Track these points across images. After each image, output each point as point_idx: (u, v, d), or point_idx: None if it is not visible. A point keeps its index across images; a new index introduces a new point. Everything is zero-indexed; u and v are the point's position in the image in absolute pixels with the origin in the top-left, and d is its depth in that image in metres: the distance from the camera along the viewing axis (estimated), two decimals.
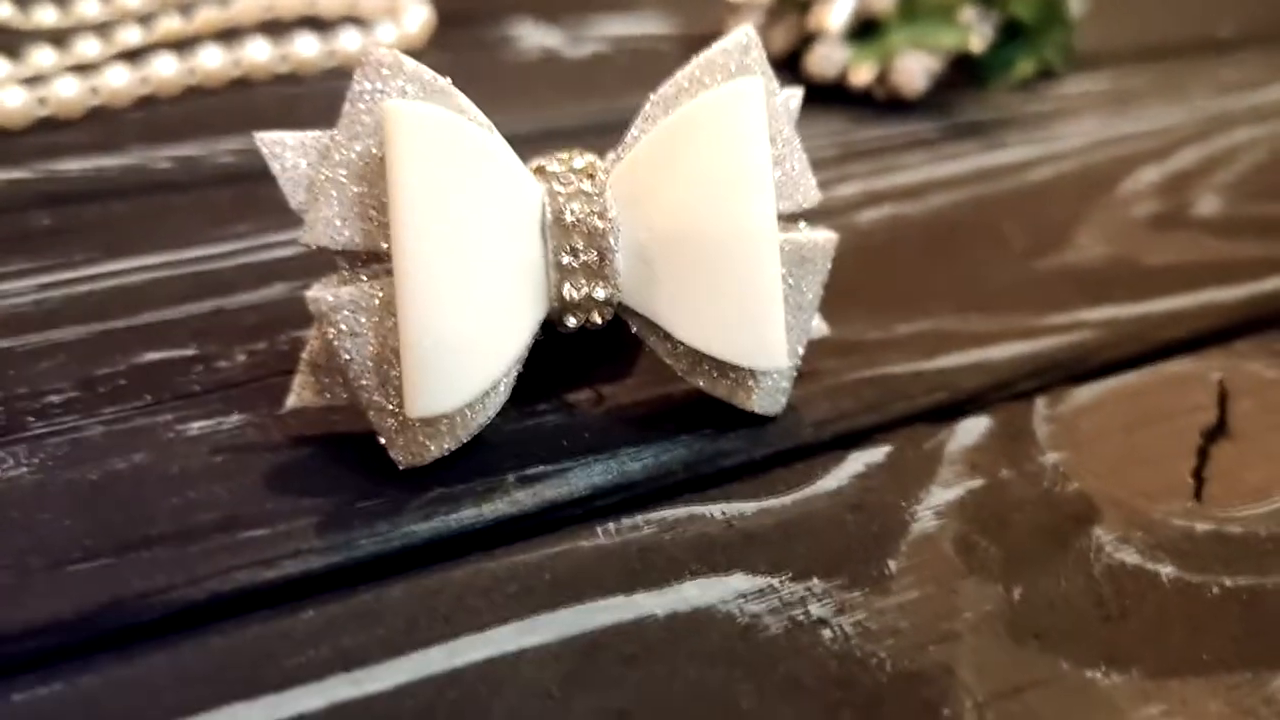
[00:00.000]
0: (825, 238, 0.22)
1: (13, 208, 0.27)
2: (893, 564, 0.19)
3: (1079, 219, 0.30)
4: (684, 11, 0.40)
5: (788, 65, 0.36)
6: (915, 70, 0.34)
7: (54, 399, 0.22)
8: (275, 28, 0.37)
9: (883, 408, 0.23)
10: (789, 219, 0.22)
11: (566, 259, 0.20)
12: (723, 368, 0.21)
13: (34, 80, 0.31)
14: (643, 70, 0.37)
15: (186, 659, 0.17)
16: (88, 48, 0.34)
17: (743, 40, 0.21)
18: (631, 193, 0.21)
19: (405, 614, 0.18)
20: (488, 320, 0.20)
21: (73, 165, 0.29)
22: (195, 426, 0.21)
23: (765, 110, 0.20)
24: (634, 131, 0.21)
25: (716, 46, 0.21)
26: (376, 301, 0.20)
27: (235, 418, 0.22)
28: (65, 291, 0.25)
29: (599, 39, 0.39)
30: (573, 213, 0.20)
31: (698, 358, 0.21)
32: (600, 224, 0.20)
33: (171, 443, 0.21)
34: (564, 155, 0.21)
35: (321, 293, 0.20)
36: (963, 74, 0.37)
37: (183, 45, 0.34)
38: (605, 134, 0.25)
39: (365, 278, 0.20)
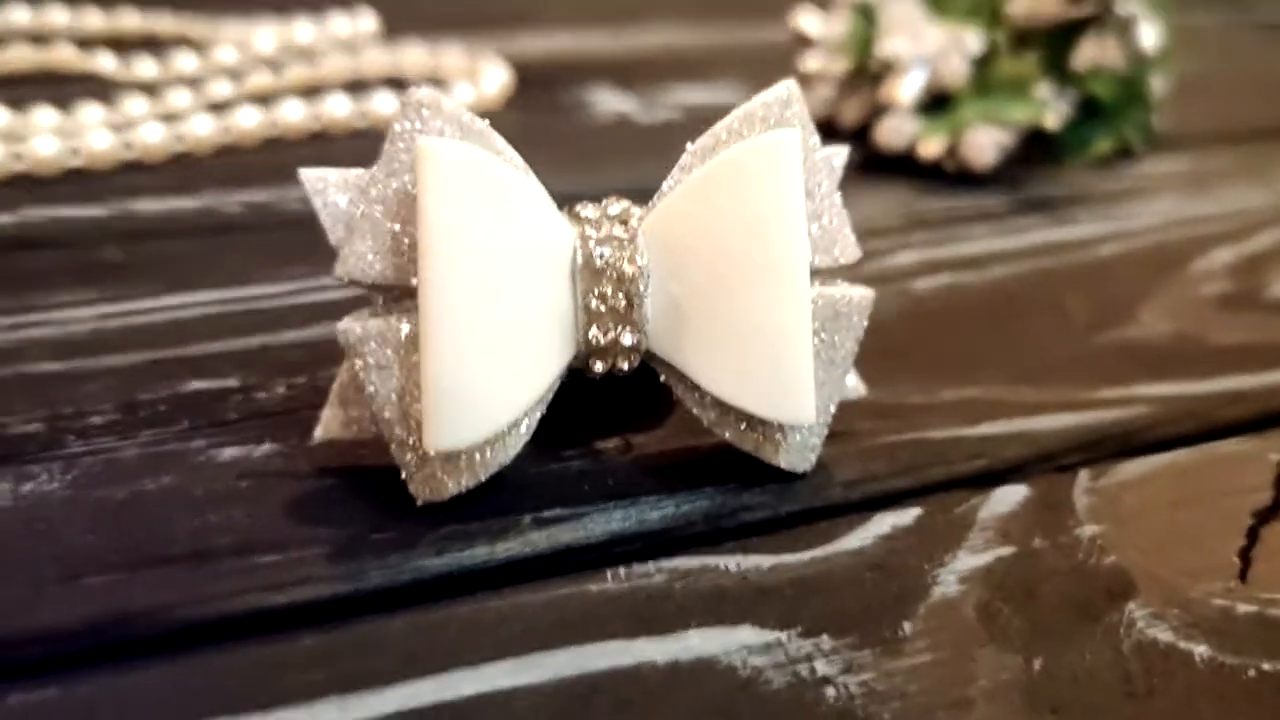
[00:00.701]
0: (861, 294, 0.22)
1: (87, 241, 0.29)
2: (908, 626, 0.19)
3: (1145, 296, 0.29)
4: (759, 82, 0.41)
5: (860, 136, 0.36)
6: (985, 144, 0.34)
7: (95, 420, 0.22)
8: (358, 86, 0.38)
9: (916, 472, 0.22)
10: (826, 274, 0.22)
11: (595, 303, 0.20)
12: (751, 421, 0.21)
13: (123, 126, 0.33)
14: None
15: (183, 675, 0.17)
16: (179, 99, 0.35)
17: (783, 95, 0.21)
18: (664, 240, 0.21)
19: (404, 646, 0.18)
20: (511, 359, 0.20)
21: (148, 205, 0.30)
22: (226, 453, 0.22)
23: (801, 163, 0.20)
24: (670, 180, 0.21)
25: (757, 100, 0.21)
26: (403, 335, 0.20)
27: (266, 446, 0.22)
28: (122, 321, 0.25)
29: (673, 106, 0.39)
30: (603, 257, 0.20)
31: (725, 409, 0.21)
32: (630, 269, 0.20)
33: (201, 467, 0.21)
34: (600, 201, 0.21)
35: (350, 324, 0.20)
36: (1039, 149, 0.37)
37: (268, 99, 0.36)
38: None
39: (395, 312, 0.20)
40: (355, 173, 0.21)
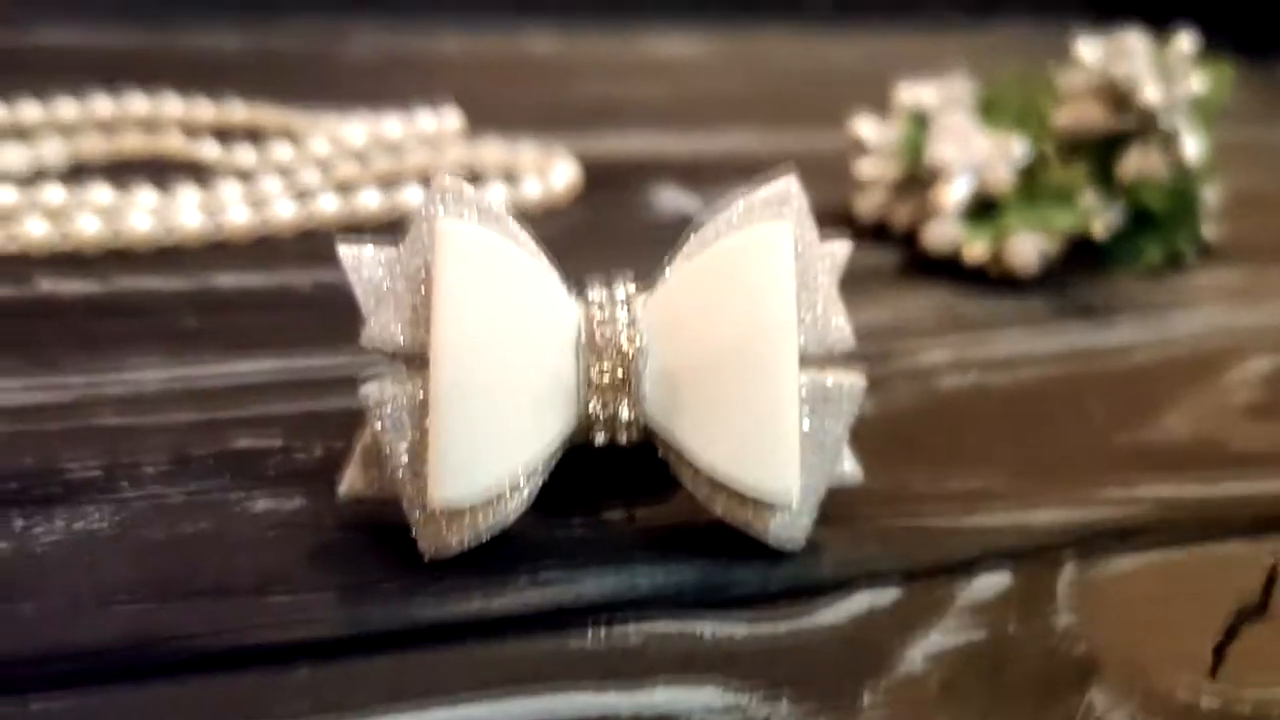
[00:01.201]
0: (852, 381, 0.23)
1: (168, 310, 0.31)
2: (868, 696, 0.19)
3: (1172, 401, 0.30)
4: (818, 187, 0.42)
5: (910, 239, 0.38)
6: (1028, 249, 0.35)
7: (149, 469, 0.24)
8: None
9: (907, 556, 0.23)
10: (819, 361, 0.23)
11: (596, 376, 0.22)
12: (741, 497, 0.22)
13: (214, 208, 0.36)
14: None
15: (188, 696, 0.19)
16: (270, 185, 0.38)
17: (783, 190, 0.23)
18: (663, 320, 0.22)
19: (388, 681, 0.19)
20: (514, 425, 0.21)
21: (227, 280, 0.33)
22: (260, 504, 0.23)
23: (792, 254, 0.22)
24: (672, 265, 0.23)
25: (758, 194, 0.23)
26: (419, 400, 0.21)
27: (296, 501, 0.24)
28: (186, 383, 0.28)
29: None
30: (604, 335, 0.22)
31: (717, 485, 0.22)
32: (628, 347, 0.22)
33: (235, 515, 0.23)
34: (609, 283, 0.23)
35: (371, 388, 0.22)
36: (1090, 257, 0.38)
37: (351, 188, 0.38)
38: None
39: (413, 379, 0.22)
40: (387, 250, 0.23)
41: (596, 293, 0.23)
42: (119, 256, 0.34)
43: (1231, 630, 0.22)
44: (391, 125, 0.43)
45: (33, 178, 0.38)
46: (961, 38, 0.71)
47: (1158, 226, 0.37)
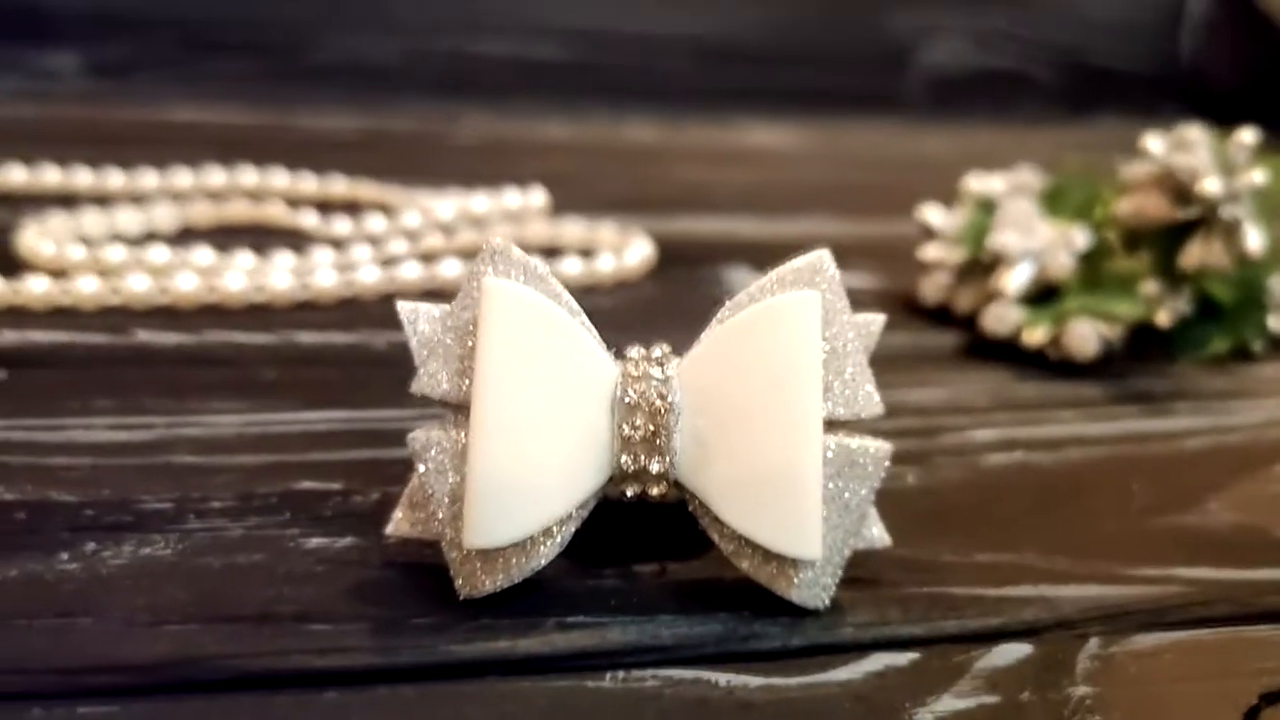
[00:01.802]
0: (877, 446, 0.23)
1: (251, 363, 0.33)
2: None
3: (1218, 488, 0.29)
4: (888, 270, 0.43)
5: (971, 322, 0.38)
6: (1087, 335, 0.35)
7: (215, 504, 0.26)
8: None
9: (928, 622, 0.23)
10: (847, 426, 0.24)
11: (628, 431, 0.23)
12: (766, 554, 0.23)
13: (302, 271, 0.38)
14: None
15: (221, 712, 0.20)
16: (360, 253, 0.40)
17: (815, 262, 0.24)
18: (695, 382, 0.23)
19: (407, 709, 0.20)
20: (548, 474, 0.22)
21: (309, 337, 0.35)
22: (312, 542, 0.25)
23: (819, 322, 0.23)
24: (708, 329, 0.24)
25: (790, 264, 0.24)
26: (460, 446, 0.23)
27: (347, 539, 0.25)
28: (260, 429, 0.29)
29: None
30: (638, 392, 0.23)
31: (743, 541, 0.23)
32: (660, 404, 0.23)
33: (288, 551, 0.24)
34: (648, 345, 0.24)
35: (418, 434, 0.23)
36: (1156, 346, 0.38)
37: (434, 258, 0.40)
38: None
39: (458, 426, 0.23)
40: (441, 307, 0.24)
41: (634, 352, 0.24)
42: (212, 312, 0.36)
43: (1252, 712, 0.21)
44: (479, 201, 0.45)
45: (142, 239, 0.41)
46: (1057, 134, 0.71)
47: (1224, 317, 0.37)
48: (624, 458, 0.23)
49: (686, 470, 0.23)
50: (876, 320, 0.25)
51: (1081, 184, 0.39)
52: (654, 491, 0.23)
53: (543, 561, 0.23)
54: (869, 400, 0.24)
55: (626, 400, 0.23)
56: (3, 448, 0.28)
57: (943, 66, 0.75)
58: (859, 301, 0.41)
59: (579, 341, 0.23)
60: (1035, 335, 0.36)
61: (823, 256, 0.24)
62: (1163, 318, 0.37)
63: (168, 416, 0.30)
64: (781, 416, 0.23)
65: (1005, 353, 0.37)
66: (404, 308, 0.24)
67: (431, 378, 0.23)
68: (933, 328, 0.39)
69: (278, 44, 0.68)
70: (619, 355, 0.24)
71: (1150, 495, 0.29)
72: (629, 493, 0.23)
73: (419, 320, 0.24)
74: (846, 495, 0.23)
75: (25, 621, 0.22)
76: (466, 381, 0.23)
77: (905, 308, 0.41)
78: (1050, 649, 0.23)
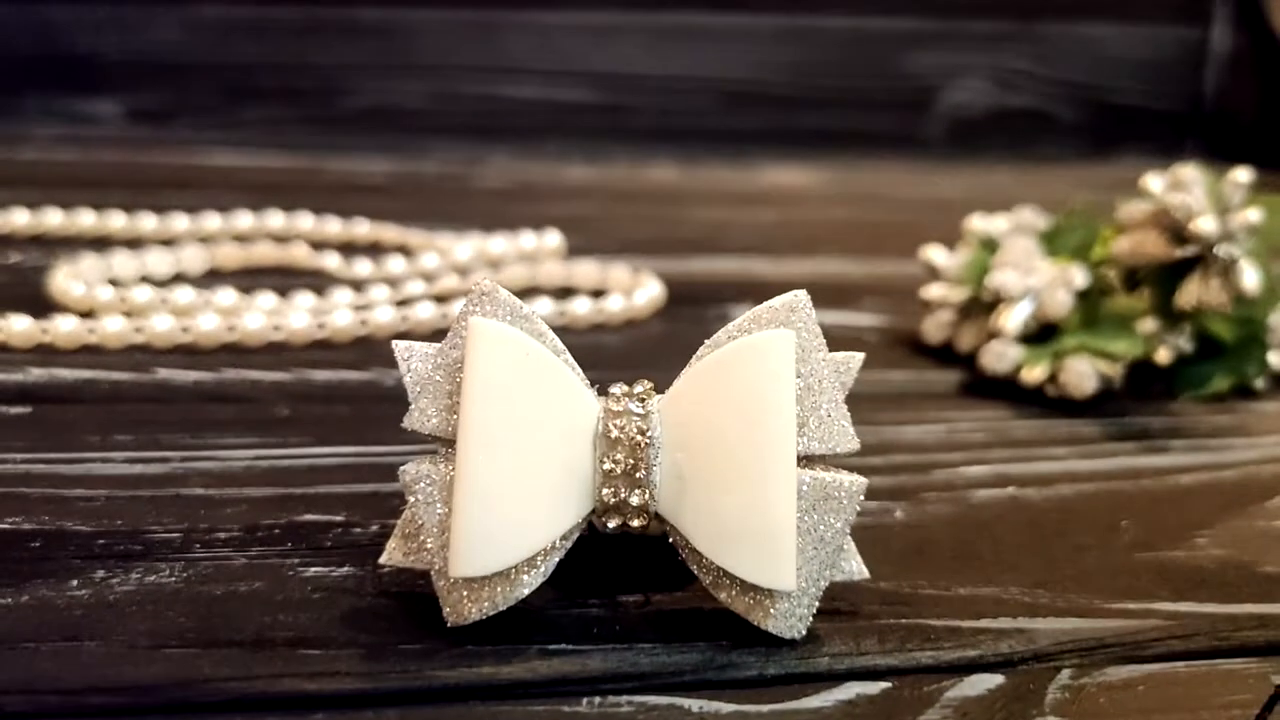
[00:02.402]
0: (852, 480, 0.24)
1: (265, 399, 0.34)
2: None
3: (1208, 524, 0.30)
4: (896, 309, 0.44)
5: (972, 360, 0.39)
6: (1085, 373, 0.36)
7: (221, 535, 0.27)
8: (530, 293, 0.44)
9: (903, 653, 0.24)
10: (823, 461, 0.24)
11: (609, 465, 0.24)
12: (744, 586, 0.24)
13: (320, 311, 0.39)
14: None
15: None
16: (378, 293, 0.42)
17: (792, 302, 0.25)
18: (674, 417, 0.24)
19: None
20: (531, 506, 0.23)
21: (323, 375, 0.36)
22: (311, 570, 0.26)
23: (792, 359, 0.24)
24: (688, 366, 0.25)
25: (767, 304, 0.25)
26: (448, 479, 0.24)
27: (345, 569, 0.26)
28: (270, 463, 0.31)
29: None
30: (618, 428, 0.24)
31: (720, 572, 0.24)
32: (640, 439, 0.24)
33: (287, 579, 0.25)
34: (629, 382, 0.25)
35: (409, 467, 0.24)
36: (1158, 384, 0.38)
37: (447, 298, 0.42)
38: None
39: (447, 460, 0.24)
40: (434, 346, 0.25)
41: (616, 389, 0.25)
42: (231, 350, 0.38)
43: None
44: (496, 244, 0.46)
45: (170, 280, 0.43)
46: (1078, 173, 0.72)
47: (1225, 355, 0.38)
48: (605, 491, 0.24)
49: (666, 503, 0.24)
50: (854, 358, 0.26)
51: (1082, 223, 0.40)
52: (635, 524, 0.24)
53: (526, 591, 0.24)
54: (844, 436, 0.24)
55: (608, 435, 0.24)
56: (24, 479, 0.29)
57: (963, 106, 0.76)
58: (864, 340, 0.42)
59: (562, 379, 0.24)
60: (1034, 373, 0.36)
61: (798, 296, 0.25)
62: (1163, 356, 0.37)
63: (182, 451, 0.31)
64: (756, 451, 0.23)
65: (1005, 391, 0.37)
66: (399, 347, 0.25)
67: (422, 413, 0.24)
68: (934, 366, 0.40)
69: (312, 90, 0.70)
70: (602, 392, 0.25)
71: (1139, 530, 0.29)
72: (611, 525, 0.24)
73: (413, 359, 0.25)
74: (822, 528, 0.24)
75: (33, 644, 0.23)
76: (454, 417, 0.24)
77: (909, 346, 0.41)
78: (1021, 679, 0.23)
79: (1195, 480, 0.32)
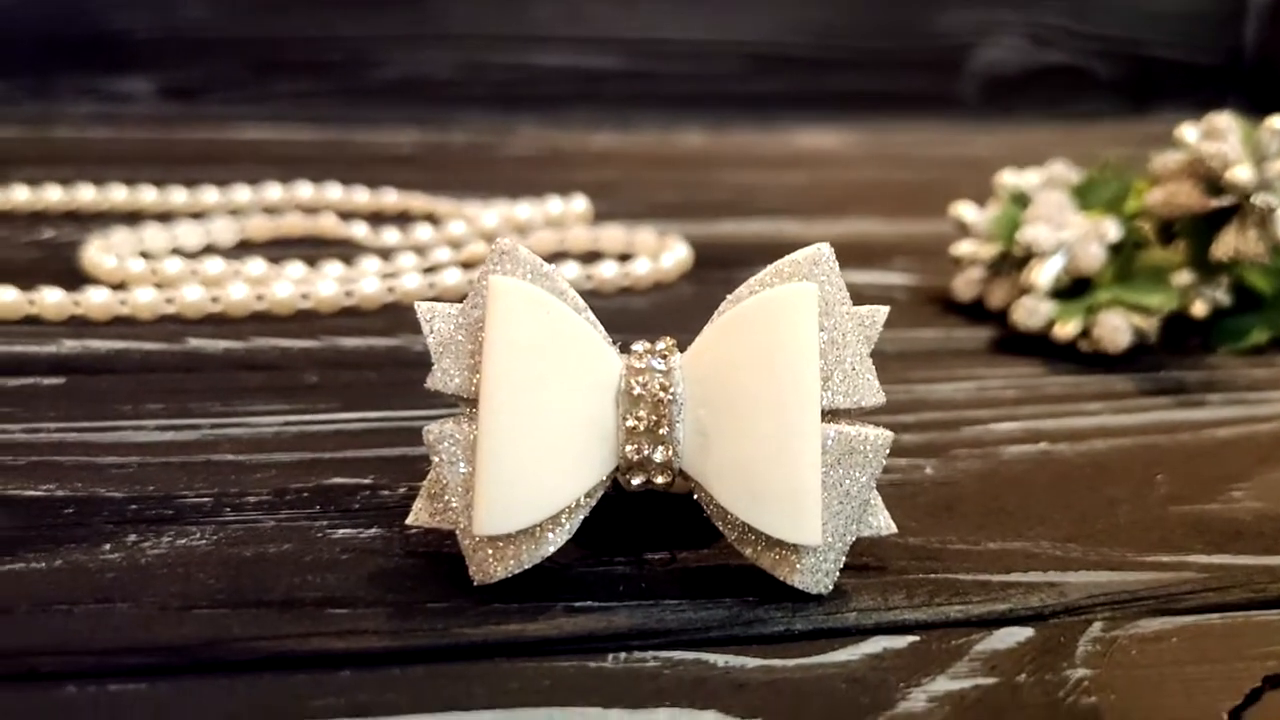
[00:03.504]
0: (877, 434, 0.24)
1: (294, 367, 0.35)
2: None
3: (1244, 477, 0.29)
4: (928, 268, 0.43)
5: (1004, 316, 0.38)
6: (1119, 327, 0.35)
7: (250, 499, 0.27)
8: (560, 257, 0.44)
9: (932, 608, 0.24)
10: (849, 415, 0.24)
11: (632, 422, 0.24)
12: (769, 541, 0.24)
13: (349, 280, 0.39)
14: None
15: (240, 689, 0.21)
16: (405, 261, 0.42)
17: (814, 255, 0.24)
18: (696, 373, 0.24)
19: (416, 687, 0.21)
20: (555, 464, 0.23)
21: (352, 342, 0.36)
22: (339, 532, 0.26)
23: (815, 313, 0.23)
24: (710, 321, 0.24)
25: (789, 257, 0.24)
26: (471, 438, 0.24)
27: (372, 530, 0.26)
28: (300, 429, 0.31)
29: None
30: (641, 384, 0.24)
31: (746, 528, 0.24)
32: (664, 396, 0.24)
33: (316, 540, 0.26)
34: (653, 339, 0.25)
35: (433, 426, 0.24)
36: (1196, 336, 0.37)
37: (474, 265, 0.42)
38: None
39: (471, 419, 0.24)
40: (456, 306, 0.25)
41: (639, 346, 0.25)
42: (261, 319, 0.38)
43: (1255, 695, 0.21)
44: (522, 209, 0.46)
45: (200, 253, 0.43)
46: (1116, 130, 0.70)
47: (1263, 307, 0.37)
48: (628, 448, 0.24)
49: (690, 460, 0.24)
50: (880, 311, 0.25)
51: (1115, 176, 0.39)
52: (659, 481, 0.24)
53: (552, 549, 0.24)
54: (870, 390, 0.24)
55: (630, 392, 0.24)
56: (57, 448, 0.29)
57: (998, 64, 0.74)
58: (894, 299, 0.42)
59: (583, 336, 0.24)
60: (1066, 329, 0.36)
61: (821, 249, 0.24)
62: (1199, 309, 0.37)
63: (212, 418, 0.31)
64: (780, 406, 0.23)
65: (1037, 347, 0.37)
66: (421, 308, 0.25)
67: (445, 374, 0.24)
68: (965, 324, 0.39)
69: (341, 63, 0.70)
70: (624, 350, 0.25)
71: (1174, 484, 0.29)
72: (635, 482, 0.24)
73: (436, 320, 0.25)
74: (847, 483, 0.24)
75: (66, 607, 0.23)
76: (476, 376, 0.24)
77: (940, 304, 0.41)
78: (1052, 632, 0.23)
79: (1232, 434, 0.32)
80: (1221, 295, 0.37)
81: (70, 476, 0.28)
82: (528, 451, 0.23)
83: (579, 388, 0.24)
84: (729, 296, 0.24)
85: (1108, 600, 0.24)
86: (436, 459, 0.24)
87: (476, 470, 0.23)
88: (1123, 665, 0.22)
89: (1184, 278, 0.36)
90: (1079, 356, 0.36)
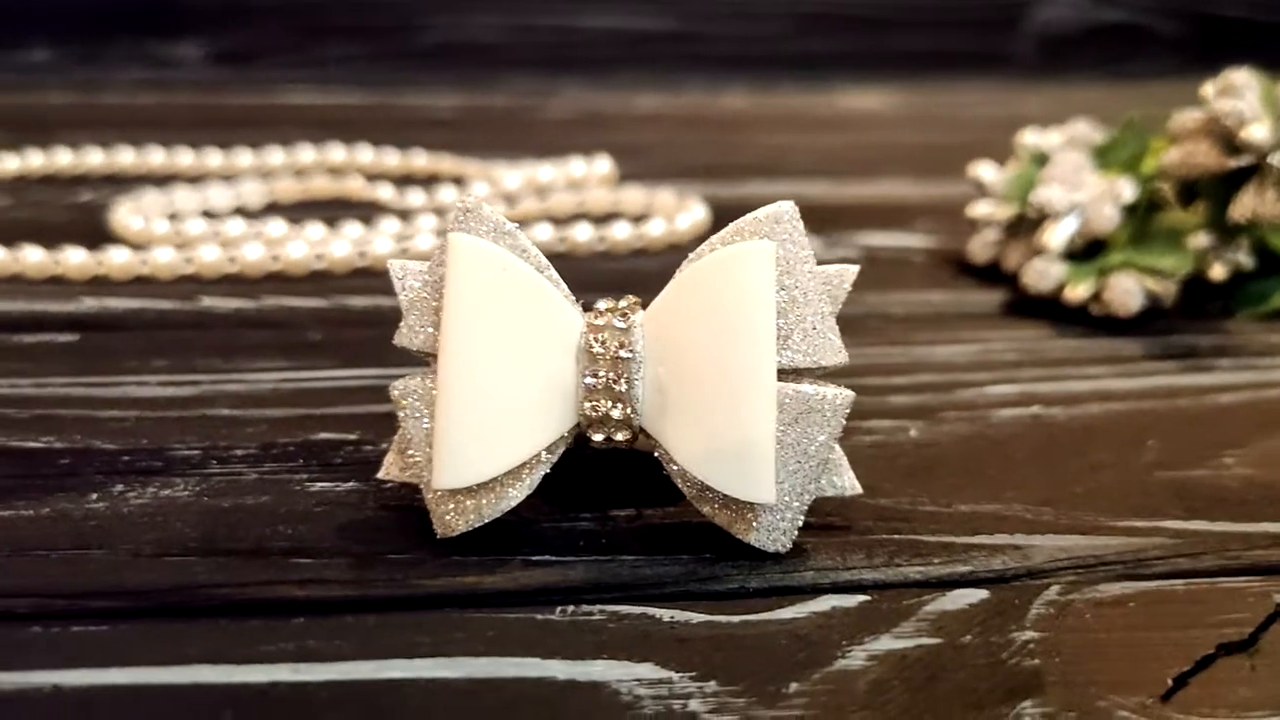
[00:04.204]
0: (835, 393, 0.24)
1: (301, 325, 0.35)
2: (794, 685, 0.20)
3: (1240, 444, 0.29)
4: (949, 230, 0.43)
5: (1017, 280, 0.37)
6: (1130, 290, 0.34)
7: (238, 452, 0.28)
8: (578, 219, 0.44)
9: (890, 568, 0.24)
10: (809, 374, 0.24)
11: (590, 380, 0.24)
12: (726, 499, 0.24)
13: (365, 241, 0.40)
14: (877, 275, 0.39)
15: (196, 633, 0.22)
16: (425, 222, 0.42)
17: (776, 213, 0.24)
18: (656, 330, 0.24)
19: (365, 635, 0.22)
20: (512, 419, 0.24)
21: (359, 301, 0.37)
22: (317, 486, 0.27)
23: (772, 271, 0.23)
24: (673, 279, 0.24)
25: (751, 215, 0.24)
26: (434, 393, 0.24)
27: (349, 484, 0.27)
28: (295, 385, 0.31)
29: (855, 246, 0.42)
30: (600, 342, 0.24)
31: (703, 486, 0.24)
32: (624, 354, 0.24)
33: (293, 493, 0.26)
34: (615, 298, 0.25)
35: (398, 382, 0.25)
36: (1216, 299, 0.36)
37: None
38: None
39: (433, 375, 0.25)
40: (425, 264, 0.25)
41: (601, 304, 0.25)
42: (275, 279, 0.39)
43: (1205, 662, 0.21)
44: (545, 171, 0.47)
45: (229, 214, 0.44)
46: (1176, 90, 0.68)
47: None
48: (587, 405, 0.24)
49: (650, 417, 0.24)
50: (848, 271, 0.25)
51: (1135, 136, 0.38)
52: (619, 437, 0.24)
53: (512, 503, 0.24)
54: (831, 349, 0.24)
55: (589, 350, 0.24)
56: (62, 402, 0.30)
57: (1055, 22, 0.73)
58: (910, 260, 0.41)
59: (543, 295, 0.24)
60: (1077, 291, 0.35)
61: (782, 206, 0.24)
62: (1218, 272, 0.36)
63: (213, 374, 0.32)
64: (735, 364, 0.23)
65: (1049, 311, 0.36)
66: (394, 266, 0.26)
67: (410, 330, 0.25)
68: (978, 287, 0.38)
69: (388, 27, 0.70)
70: (588, 308, 0.25)
71: (1165, 450, 0.28)
72: (596, 438, 0.24)
73: (408, 278, 0.25)
74: (804, 442, 0.24)
75: (45, 552, 0.24)
76: (439, 333, 0.24)
77: (955, 266, 0.40)
78: (1007, 595, 0.23)
79: (1235, 399, 0.31)
80: (1243, 258, 0.36)
81: (70, 429, 0.29)
82: (485, 407, 0.23)
83: (538, 345, 0.24)
84: (691, 254, 0.24)
85: (1072, 564, 0.24)
86: (402, 414, 0.24)
87: (435, 425, 0.23)
88: (1074, 629, 0.22)
89: (1201, 240, 0.35)
90: (1090, 320, 0.35)
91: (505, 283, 0.24)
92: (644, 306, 0.25)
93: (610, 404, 0.24)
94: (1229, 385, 0.32)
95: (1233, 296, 0.36)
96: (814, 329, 0.24)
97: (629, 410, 0.24)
